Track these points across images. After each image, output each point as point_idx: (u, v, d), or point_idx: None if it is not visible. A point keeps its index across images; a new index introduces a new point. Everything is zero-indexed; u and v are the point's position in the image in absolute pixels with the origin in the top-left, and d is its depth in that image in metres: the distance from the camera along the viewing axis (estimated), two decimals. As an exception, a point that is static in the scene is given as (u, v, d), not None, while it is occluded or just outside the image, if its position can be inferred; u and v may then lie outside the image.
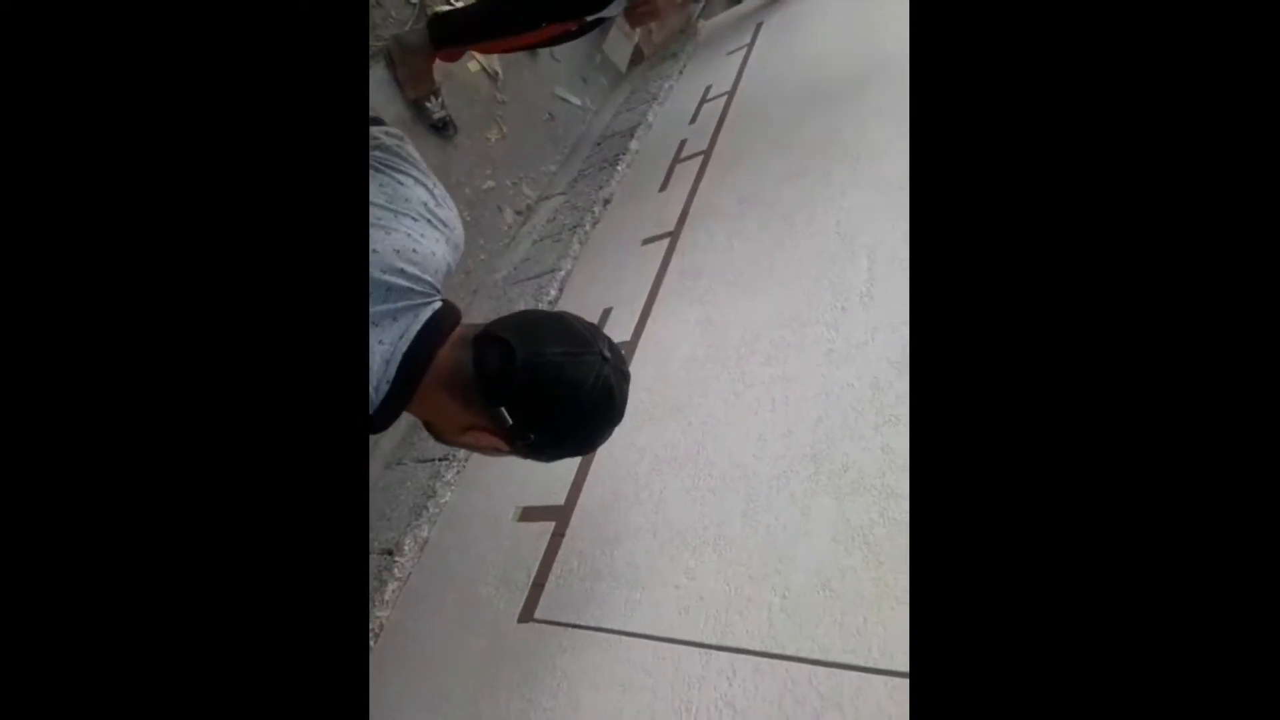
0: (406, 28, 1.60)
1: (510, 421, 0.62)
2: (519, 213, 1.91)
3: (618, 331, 1.26)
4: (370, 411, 0.59)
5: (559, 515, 0.98)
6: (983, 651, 0.31)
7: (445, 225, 0.67)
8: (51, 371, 0.31)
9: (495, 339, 0.64)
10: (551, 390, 0.62)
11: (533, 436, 0.64)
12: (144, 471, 0.32)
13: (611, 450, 1.04)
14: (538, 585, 0.90)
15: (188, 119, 0.34)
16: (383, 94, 1.57)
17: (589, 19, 1.52)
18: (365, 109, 0.54)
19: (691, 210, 1.46)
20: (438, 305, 0.64)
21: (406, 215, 0.63)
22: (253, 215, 0.34)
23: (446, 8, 1.66)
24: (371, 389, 0.58)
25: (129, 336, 0.32)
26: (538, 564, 0.93)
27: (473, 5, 1.57)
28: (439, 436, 0.70)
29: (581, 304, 1.41)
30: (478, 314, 1.60)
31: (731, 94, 1.82)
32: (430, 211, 0.65)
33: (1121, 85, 0.31)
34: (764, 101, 1.69)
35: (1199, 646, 0.28)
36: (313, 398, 0.35)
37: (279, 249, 0.35)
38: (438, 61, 1.58)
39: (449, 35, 1.52)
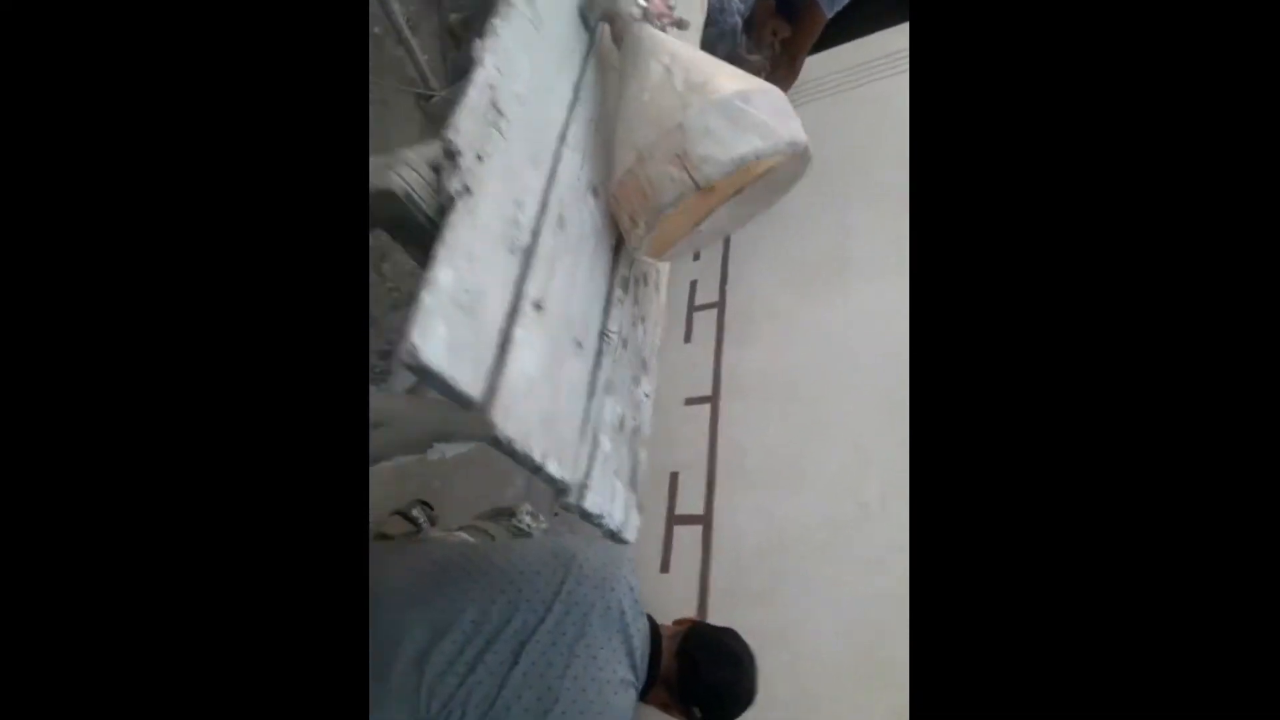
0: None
1: (700, 715, 0.99)
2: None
3: (687, 502, 1.59)
4: (641, 681, 0.94)
5: None
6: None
7: None
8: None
9: (692, 660, 0.96)
10: (727, 705, 1.00)
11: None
12: (147, 468, 0.32)
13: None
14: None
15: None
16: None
17: None
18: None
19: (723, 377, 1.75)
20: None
21: None
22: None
23: None
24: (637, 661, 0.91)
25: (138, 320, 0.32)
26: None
27: None
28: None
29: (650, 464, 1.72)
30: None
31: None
32: None
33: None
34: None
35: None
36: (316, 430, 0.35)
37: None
38: None
39: None
